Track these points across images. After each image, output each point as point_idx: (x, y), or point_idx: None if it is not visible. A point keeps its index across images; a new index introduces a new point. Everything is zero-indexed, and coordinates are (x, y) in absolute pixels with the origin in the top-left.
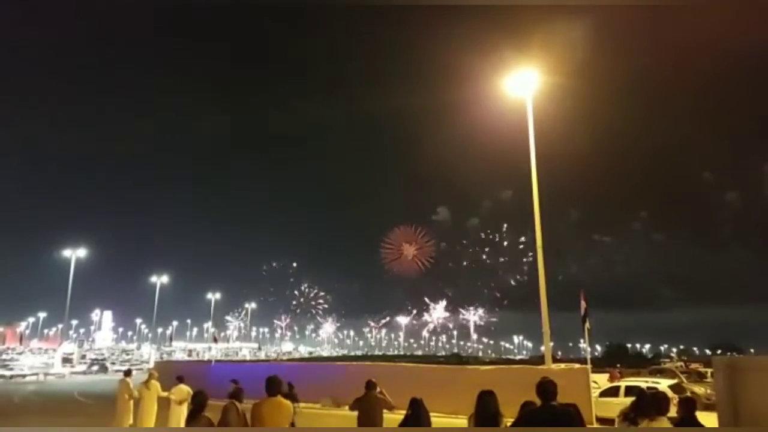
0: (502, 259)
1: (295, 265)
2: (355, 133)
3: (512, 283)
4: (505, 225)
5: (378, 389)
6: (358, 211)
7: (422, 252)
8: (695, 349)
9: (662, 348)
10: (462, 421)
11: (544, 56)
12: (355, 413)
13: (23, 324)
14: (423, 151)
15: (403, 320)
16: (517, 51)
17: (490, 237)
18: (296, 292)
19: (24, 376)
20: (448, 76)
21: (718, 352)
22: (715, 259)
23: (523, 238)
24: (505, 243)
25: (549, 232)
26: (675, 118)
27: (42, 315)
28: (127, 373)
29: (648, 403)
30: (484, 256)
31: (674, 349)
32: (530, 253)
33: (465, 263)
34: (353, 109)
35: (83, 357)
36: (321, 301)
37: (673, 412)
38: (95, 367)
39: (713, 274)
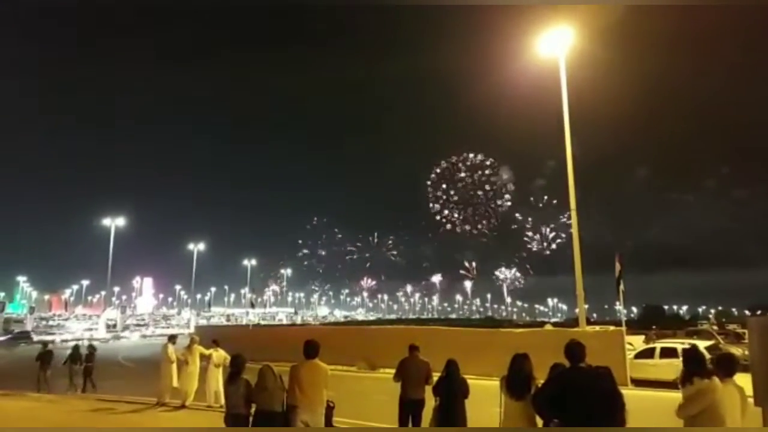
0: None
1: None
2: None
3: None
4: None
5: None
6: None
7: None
8: (734, 310)
9: (700, 310)
10: (495, 383)
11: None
12: (389, 376)
13: (68, 291)
14: (481, 111)
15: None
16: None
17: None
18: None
19: (66, 340)
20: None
21: (758, 313)
22: None
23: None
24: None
25: (610, 193)
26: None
27: (85, 282)
28: (171, 338)
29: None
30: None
31: (712, 311)
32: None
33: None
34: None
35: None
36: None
37: None
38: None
39: None
